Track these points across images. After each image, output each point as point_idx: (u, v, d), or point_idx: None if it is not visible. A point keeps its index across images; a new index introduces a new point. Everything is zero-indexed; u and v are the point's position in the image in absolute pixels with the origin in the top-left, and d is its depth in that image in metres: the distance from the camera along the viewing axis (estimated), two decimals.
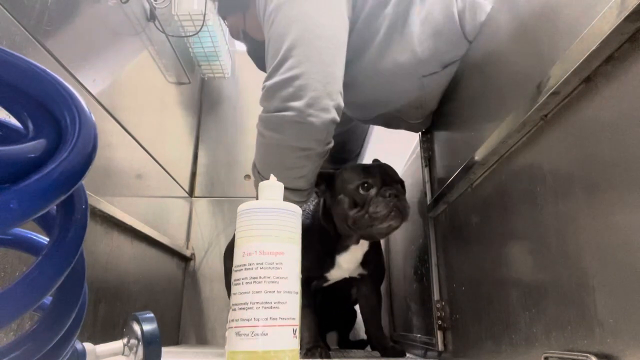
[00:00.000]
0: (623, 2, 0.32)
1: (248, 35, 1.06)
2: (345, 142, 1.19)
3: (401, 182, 0.85)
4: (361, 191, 0.81)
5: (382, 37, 0.85)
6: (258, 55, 1.08)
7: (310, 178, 0.82)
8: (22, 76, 0.23)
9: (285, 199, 0.82)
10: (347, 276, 0.95)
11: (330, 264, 0.91)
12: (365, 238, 0.88)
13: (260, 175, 0.82)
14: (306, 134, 0.74)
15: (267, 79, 0.77)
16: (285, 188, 0.81)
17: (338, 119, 0.76)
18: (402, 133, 1.03)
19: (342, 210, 0.84)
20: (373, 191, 0.80)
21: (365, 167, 0.85)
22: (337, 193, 0.85)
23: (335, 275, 0.94)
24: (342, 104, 0.77)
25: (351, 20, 0.84)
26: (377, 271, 0.97)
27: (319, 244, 0.92)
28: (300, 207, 0.91)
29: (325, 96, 0.74)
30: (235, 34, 1.10)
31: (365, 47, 0.86)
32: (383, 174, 0.84)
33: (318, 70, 0.74)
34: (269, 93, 0.75)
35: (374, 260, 0.95)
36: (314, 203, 0.98)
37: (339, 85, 0.77)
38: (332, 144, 0.79)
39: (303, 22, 0.77)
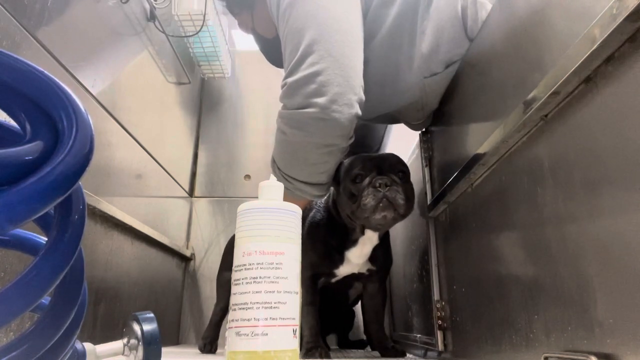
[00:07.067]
0: (623, 2, 0.32)
1: (257, 33, 1.06)
2: (363, 136, 1.19)
3: (402, 171, 0.82)
4: (355, 182, 0.80)
5: (389, 28, 0.84)
6: (269, 51, 1.08)
7: (332, 172, 0.82)
8: (20, 78, 0.23)
9: (306, 193, 0.83)
10: (355, 272, 0.94)
11: (339, 259, 0.91)
12: (369, 228, 0.86)
13: (280, 171, 0.82)
14: (330, 130, 0.73)
15: (288, 75, 0.76)
16: (307, 183, 0.82)
17: (360, 113, 0.75)
18: (405, 132, 1.03)
19: (341, 201, 0.84)
20: (366, 182, 0.79)
21: (366, 157, 0.84)
22: (339, 184, 0.85)
23: (344, 271, 0.93)
24: (363, 97, 0.76)
25: (363, 11, 0.84)
26: (384, 266, 0.97)
27: (329, 237, 0.91)
28: (318, 199, 0.91)
29: (349, 91, 0.73)
30: (245, 29, 1.10)
31: (373, 36, 0.85)
32: (380, 163, 0.81)
33: (340, 65, 0.73)
34: (290, 90, 0.74)
35: (382, 256, 0.94)
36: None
37: (360, 79, 0.76)
38: (353, 139, 0.79)
39: (320, 17, 0.76)
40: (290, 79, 0.75)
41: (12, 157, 0.21)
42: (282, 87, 0.77)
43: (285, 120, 0.76)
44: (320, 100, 0.72)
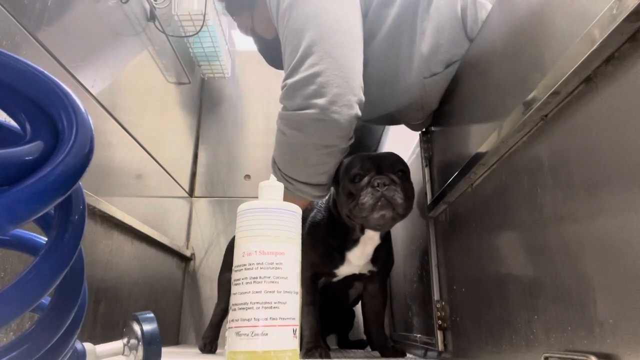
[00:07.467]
0: (623, 2, 0.32)
1: (257, 34, 1.06)
2: (362, 137, 1.19)
3: (401, 170, 0.82)
4: (354, 181, 0.80)
5: (389, 28, 0.84)
6: (268, 52, 1.08)
7: (332, 173, 0.83)
8: (20, 78, 0.23)
9: (307, 194, 0.83)
10: (356, 272, 0.94)
11: (340, 259, 0.90)
12: (368, 228, 0.85)
13: (281, 172, 0.82)
14: (330, 131, 0.73)
15: (288, 76, 0.76)
16: (307, 183, 0.82)
17: (360, 114, 0.75)
18: (404, 132, 1.03)
19: (340, 201, 0.84)
20: (364, 181, 0.78)
21: (365, 157, 0.83)
22: (339, 183, 0.85)
23: (344, 271, 0.93)
24: (363, 98, 0.76)
25: (362, 11, 0.84)
26: (386, 267, 0.96)
27: (329, 237, 0.91)
28: (319, 199, 0.91)
29: (348, 92, 0.73)
30: (244, 31, 1.10)
31: (373, 37, 0.85)
32: (379, 162, 0.81)
33: (339, 66, 0.73)
34: (290, 91, 0.75)
35: (384, 257, 0.94)
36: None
37: (360, 80, 0.76)
38: (353, 139, 0.79)
39: (320, 18, 0.76)
40: (289, 80, 0.75)
41: (12, 157, 0.21)
42: (282, 88, 0.77)
43: (285, 122, 0.76)
44: (320, 101, 0.72)
